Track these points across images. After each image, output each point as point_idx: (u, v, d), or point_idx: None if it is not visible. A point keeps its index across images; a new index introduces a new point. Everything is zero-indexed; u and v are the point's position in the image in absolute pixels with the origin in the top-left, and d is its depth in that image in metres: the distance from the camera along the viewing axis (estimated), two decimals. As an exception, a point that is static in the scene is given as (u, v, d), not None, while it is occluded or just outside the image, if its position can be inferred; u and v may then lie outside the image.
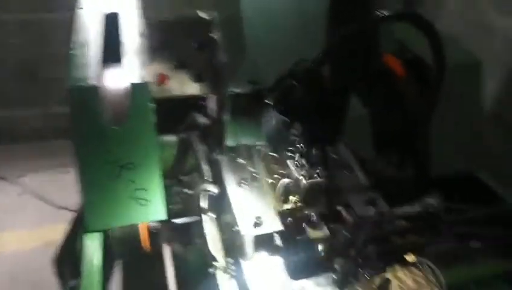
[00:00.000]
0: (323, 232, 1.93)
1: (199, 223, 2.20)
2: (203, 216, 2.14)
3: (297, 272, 1.89)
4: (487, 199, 2.23)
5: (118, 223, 1.95)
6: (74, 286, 2.11)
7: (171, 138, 2.59)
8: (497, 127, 2.31)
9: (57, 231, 2.44)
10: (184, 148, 2.57)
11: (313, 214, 2.06)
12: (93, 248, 1.93)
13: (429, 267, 1.88)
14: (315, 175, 2.03)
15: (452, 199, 2.10)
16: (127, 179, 1.93)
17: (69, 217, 2.48)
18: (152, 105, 1.99)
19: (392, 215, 1.97)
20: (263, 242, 1.93)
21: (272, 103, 2.01)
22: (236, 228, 1.94)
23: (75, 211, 2.56)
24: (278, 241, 1.95)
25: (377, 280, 1.83)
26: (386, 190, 2.14)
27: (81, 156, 1.89)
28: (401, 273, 1.87)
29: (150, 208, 1.97)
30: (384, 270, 1.87)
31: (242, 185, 2.13)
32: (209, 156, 2.38)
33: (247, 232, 1.90)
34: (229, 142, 2.37)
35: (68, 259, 2.19)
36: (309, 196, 2.04)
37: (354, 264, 1.85)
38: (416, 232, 1.92)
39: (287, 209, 2.08)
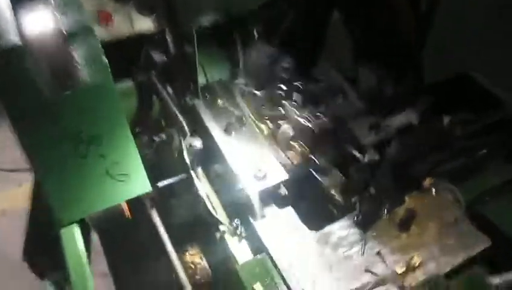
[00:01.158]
0: (335, 177, 1.74)
1: (185, 181, 1.92)
2: (193, 174, 1.86)
3: (315, 221, 1.72)
4: (483, 100, 2.11)
5: (95, 208, 1.62)
6: (57, 280, 1.82)
7: (127, 84, 2.15)
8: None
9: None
10: (145, 94, 2.16)
11: (322, 159, 1.84)
12: (73, 239, 1.62)
13: (446, 188, 1.80)
14: (319, 114, 1.77)
15: (449, 102, 1.96)
16: (96, 155, 1.55)
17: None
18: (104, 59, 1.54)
19: (401, 139, 1.80)
20: (271, 195, 1.72)
21: (257, 33, 1.65)
22: (239, 186, 1.70)
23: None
24: (285, 191, 1.74)
25: (399, 213, 1.73)
26: (386, 106, 1.95)
27: (30, 138, 1.47)
28: (419, 200, 1.77)
29: (131, 183, 1.64)
30: (404, 201, 1.76)
31: (230, 132, 1.84)
32: (180, 100, 2.01)
33: (253, 189, 1.66)
34: (201, 81, 2.01)
35: (43, 250, 1.87)
36: (317, 140, 1.80)
37: (373, 200, 1.72)
38: (430, 152, 1.78)
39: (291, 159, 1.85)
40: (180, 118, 1.91)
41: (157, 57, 2.08)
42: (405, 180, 1.75)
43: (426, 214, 1.73)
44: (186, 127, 1.88)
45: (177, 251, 1.88)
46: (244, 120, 1.86)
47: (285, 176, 1.72)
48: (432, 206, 1.76)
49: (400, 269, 1.57)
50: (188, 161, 1.86)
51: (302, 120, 1.78)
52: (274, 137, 1.85)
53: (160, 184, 1.87)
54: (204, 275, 1.88)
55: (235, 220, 1.71)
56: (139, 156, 1.66)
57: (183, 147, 1.85)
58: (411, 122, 1.79)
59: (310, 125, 1.77)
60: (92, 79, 1.48)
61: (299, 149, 1.79)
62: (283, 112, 1.89)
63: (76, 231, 1.61)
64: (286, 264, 1.58)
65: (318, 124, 1.79)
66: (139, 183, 1.66)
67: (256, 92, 1.92)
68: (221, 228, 1.73)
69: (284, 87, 1.88)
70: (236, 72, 1.97)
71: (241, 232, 1.69)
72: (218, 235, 1.74)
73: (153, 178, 1.97)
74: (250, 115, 1.87)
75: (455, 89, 2.06)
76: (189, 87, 2.00)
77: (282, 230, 1.67)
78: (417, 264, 1.58)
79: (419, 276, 1.58)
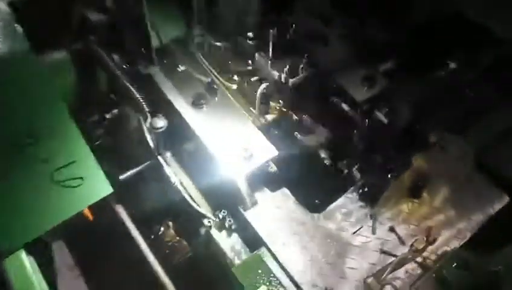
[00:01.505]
0: (319, 135, 1.48)
1: (153, 168, 1.59)
2: (161, 160, 1.53)
3: (313, 198, 1.48)
4: (478, 37, 1.86)
5: (44, 226, 1.26)
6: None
7: (59, 55, 1.72)
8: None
9: None
10: (85, 65, 1.75)
11: (304, 117, 1.56)
12: (21, 267, 1.28)
13: (453, 141, 1.59)
14: (300, 69, 1.46)
15: (444, 44, 1.71)
16: (34, 160, 1.19)
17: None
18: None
19: (404, 92, 1.54)
20: (261, 177, 1.43)
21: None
22: (221, 171, 1.39)
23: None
24: (276, 169, 1.46)
25: (407, 178, 1.51)
26: (376, 53, 1.66)
27: None
28: (427, 160, 1.55)
29: (87, 187, 1.29)
30: (410, 164, 1.54)
31: (200, 105, 1.50)
32: (132, 70, 1.62)
33: (239, 172, 1.37)
34: (154, 43, 1.62)
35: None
36: (297, 98, 1.50)
37: (378, 167, 1.48)
38: (437, 104, 1.54)
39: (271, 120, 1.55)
40: (135, 93, 1.54)
41: (95, 17, 1.65)
42: (410, 139, 1.51)
43: (436, 174, 1.53)
44: (143, 104, 1.52)
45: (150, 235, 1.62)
46: (217, 88, 1.52)
47: (274, 151, 1.43)
48: (441, 164, 1.55)
49: (419, 245, 1.37)
50: (152, 144, 1.52)
51: (278, 74, 1.47)
52: (245, 97, 1.53)
53: (122, 177, 1.53)
54: (182, 251, 1.68)
55: (221, 211, 1.43)
56: (90, 151, 1.30)
57: (144, 129, 1.49)
58: (411, 72, 1.52)
59: (290, 81, 1.46)
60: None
61: (279, 109, 1.50)
62: (254, 66, 1.57)
63: (24, 258, 1.26)
64: (289, 257, 1.34)
65: (300, 78, 1.48)
66: (97, 185, 1.32)
67: (218, 43, 1.57)
68: (205, 221, 1.45)
69: (252, 36, 1.54)
70: (192, 24, 1.59)
71: (230, 225, 1.42)
72: (202, 230, 1.46)
73: (111, 165, 1.63)
74: (217, 75, 1.53)
75: (448, 29, 1.79)
76: (141, 52, 1.61)
77: (280, 217, 1.41)
78: (436, 236, 1.40)
79: (439, 248, 1.40)
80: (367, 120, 1.46)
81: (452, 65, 1.51)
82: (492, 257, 1.47)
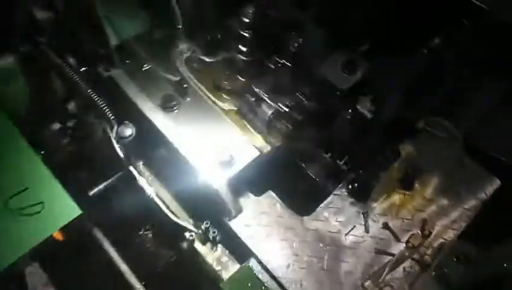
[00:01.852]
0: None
1: (123, 179, 1.45)
2: (133, 171, 1.39)
3: (301, 199, 1.38)
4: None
5: (13, 257, 1.11)
6: None
7: (5, 60, 1.53)
8: None
9: None
10: (36, 70, 1.56)
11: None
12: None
13: (440, 125, 1.52)
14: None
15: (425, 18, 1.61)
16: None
17: None
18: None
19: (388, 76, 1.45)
20: (244, 182, 1.32)
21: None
22: (200, 179, 1.27)
23: None
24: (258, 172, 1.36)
25: (397, 170, 1.43)
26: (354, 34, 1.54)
27: None
28: (415, 148, 1.48)
29: (52, 210, 1.15)
30: (399, 154, 1.46)
31: (170, 107, 1.36)
32: (90, 73, 1.46)
33: (220, 179, 1.25)
34: (112, 40, 1.45)
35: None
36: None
37: (367, 161, 1.40)
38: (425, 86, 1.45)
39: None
40: (96, 99, 1.38)
41: (42, 15, 1.47)
42: (397, 127, 1.43)
43: (426, 162, 1.46)
44: (107, 112, 1.36)
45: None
46: (187, 87, 1.38)
47: (255, 152, 1.32)
48: (430, 151, 1.48)
49: (415, 240, 1.31)
50: (121, 155, 1.38)
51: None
52: (245, 118, 1.41)
53: (92, 192, 1.39)
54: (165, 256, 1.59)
55: (204, 223, 1.31)
56: (53, 176, 1.15)
57: (112, 139, 1.35)
58: (392, 52, 1.42)
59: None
60: None
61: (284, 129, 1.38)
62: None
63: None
64: (280, 266, 1.24)
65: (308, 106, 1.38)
66: (62, 209, 1.18)
67: (205, 57, 1.42)
68: (187, 234, 1.33)
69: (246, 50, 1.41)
70: (160, 20, 1.43)
71: (214, 237, 1.31)
72: (185, 244, 1.34)
73: (78, 181, 1.49)
74: (201, 86, 1.39)
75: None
76: (99, 53, 1.45)
77: (267, 223, 1.30)
78: (431, 230, 1.33)
79: (435, 241, 1.34)
80: (351, 110, 1.36)
81: (435, 42, 1.42)
82: (493, 248, 1.42)
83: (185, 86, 1.38)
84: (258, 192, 1.35)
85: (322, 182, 1.42)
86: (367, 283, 1.23)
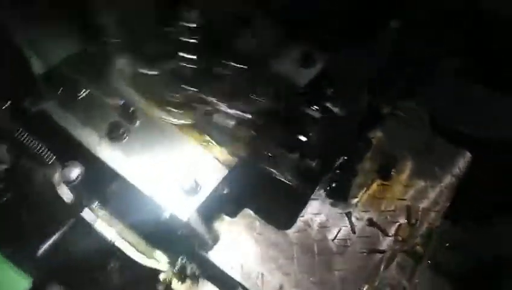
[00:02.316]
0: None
1: (77, 226, 1.27)
2: (85, 217, 1.21)
3: (279, 211, 1.28)
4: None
5: None
6: None
7: None
8: None
9: None
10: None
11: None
12: None
13: (405, 108, 1.47)
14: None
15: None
16: None
17: None
18: None
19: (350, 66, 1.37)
20: (215, 205, 1.19)
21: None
22: (165, 214, 1.13)
23: None
24: (228, 190, 1.23)
25: (371, 160, 1.36)
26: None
27: None
28: (385, 134, 1.42)
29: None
30: (370, 144, 1.39)
31: (118, 136, 1.20)
32: (16, 109, 1.26)
33: (188, 209, 1.11)
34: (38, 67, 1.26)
35: None
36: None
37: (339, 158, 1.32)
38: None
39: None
40: (28, 140, 1.19)
41: None
42: (366, 116, 1.36)
43: (398, 147, 1.40)
44: (45, 154, 1.18)
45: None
46: (134, 110, 1.22)
47: (222, 170, 1.19)
48: (400, 136, 1.43)
49: (403, 232, 1.25)
50: (69, 201, 1.20)
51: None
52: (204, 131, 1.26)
53: (40, 252, 1.20)
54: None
55: (179, 259, 1.18)
56: None
57: (55, 186, 1.17)
58: (351, 40, 1.34)
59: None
60: None
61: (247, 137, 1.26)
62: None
63: None
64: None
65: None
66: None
67: (147, 71, 1.26)
68: (161, 276, 1.19)
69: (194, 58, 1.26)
70: (92, 36, 1.25)
71: (193, 273, 1.17)
72: (161, 287, 1.20)
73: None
74: (149, 105, 1.23)
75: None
76: (23, 84, 1.26)
77: (248, 245, 1.19)
78: (417, 216, 1.28)
79: (421, 228, 1.29)
80: (317, 108, 1.27)
81: (393, 24, 1.36)
82: (482, 229, 1.40)
83: (131, 109, 1.22)
84: (233, 212, 1.23)
85: (298, 187, 1.32)
86: (365, 288, 1.15)
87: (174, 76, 1.34)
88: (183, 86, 1.32)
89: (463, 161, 1.43)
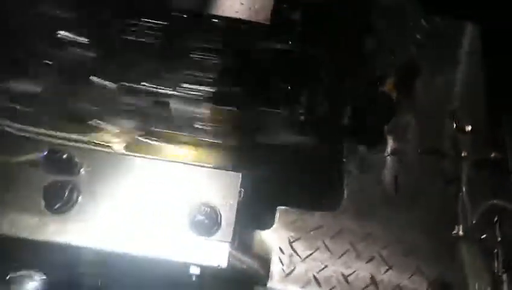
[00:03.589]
0: None
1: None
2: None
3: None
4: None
5: None
6: None
7: None
8: None
9: None
10: None
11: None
12: None
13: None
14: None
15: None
16: None
17: None
18: None
19: None
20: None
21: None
22: (196, 271, 0.77)
23: None
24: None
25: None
26: None
27: None
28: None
29: None
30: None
31: (63, 206, 0.77)
32: None
33: (220, 253, 0.76)
34: None
35: None
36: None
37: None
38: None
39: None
40: None
41: None
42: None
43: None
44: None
45: None
46: (69, 155, 0.79)
47: (230, 177, 0.84)
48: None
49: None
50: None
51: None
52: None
53: None
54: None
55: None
56: None
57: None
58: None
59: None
60: None
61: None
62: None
63: None
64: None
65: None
66: None
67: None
68: None
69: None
70: None
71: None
72: None
73: None
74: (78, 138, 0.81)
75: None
76: None
77: (304, 246, 0.88)
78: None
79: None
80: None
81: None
82: None
83: (64, 155, 0.79)
84: (267, 221, 0.90)
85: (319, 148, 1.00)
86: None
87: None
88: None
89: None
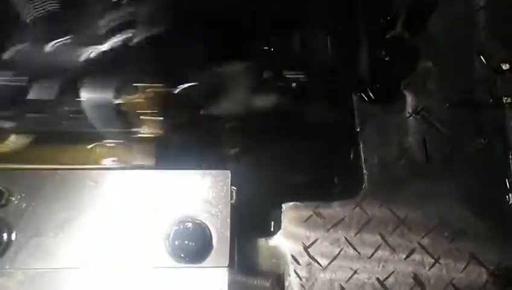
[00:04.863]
0: None
1: None
2: None
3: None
4: None
5: None
6: None
7: None
8: None
9: None
10: None
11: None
12: None
13: None
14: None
15: None
16: None
17: None
18: None
19: None
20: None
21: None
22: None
23: None
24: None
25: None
26: None
27: None
28: None
29: None
30: None
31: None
32: None
33: (219, 281, 0.56)
34: None
35: None
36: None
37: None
38: None
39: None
40: None
41: None
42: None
43: None
44: None
45: None
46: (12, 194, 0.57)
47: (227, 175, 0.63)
48: None
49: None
50: None
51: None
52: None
53: None
54: None
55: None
56: None
57: None
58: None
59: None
60: None
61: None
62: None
63: None
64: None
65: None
66: None
67: None
68: None
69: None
70: None
71: None
72: None
73: None
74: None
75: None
76: None
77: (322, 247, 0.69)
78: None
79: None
80: None
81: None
82: None
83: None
84: (271, 223, 0.69)
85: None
86: None
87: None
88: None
89: None
